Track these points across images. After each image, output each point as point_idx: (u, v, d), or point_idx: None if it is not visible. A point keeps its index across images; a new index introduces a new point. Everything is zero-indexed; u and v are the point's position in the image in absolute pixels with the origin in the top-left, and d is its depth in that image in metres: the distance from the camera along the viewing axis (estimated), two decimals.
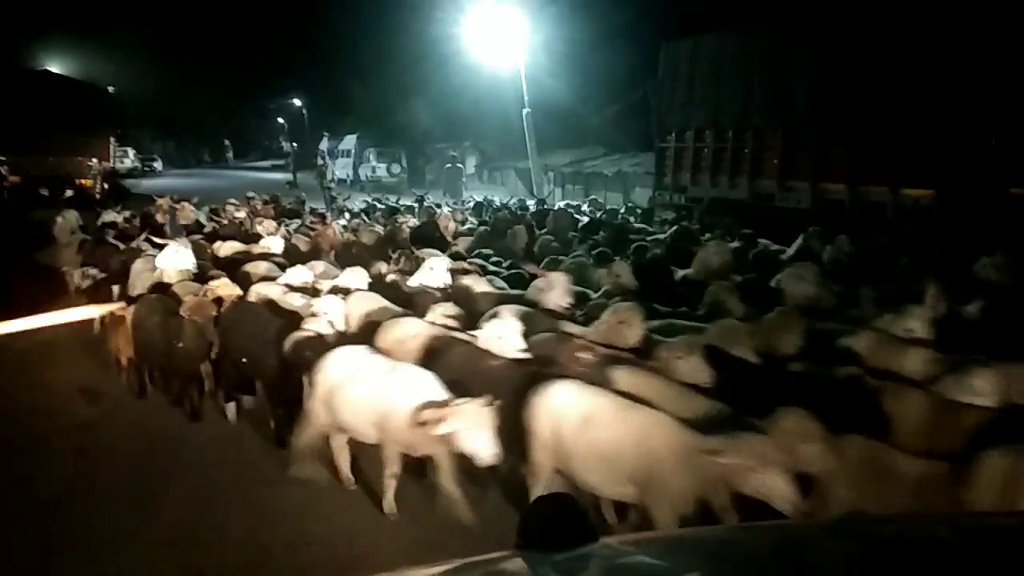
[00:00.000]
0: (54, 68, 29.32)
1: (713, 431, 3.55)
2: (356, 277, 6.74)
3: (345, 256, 8.78)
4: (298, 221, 12.63)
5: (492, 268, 8.47)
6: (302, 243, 9.68)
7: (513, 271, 8.28)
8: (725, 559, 1.61)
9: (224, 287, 6.18)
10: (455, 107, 33.86)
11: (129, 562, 4.11)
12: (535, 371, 4.46)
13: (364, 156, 34.36)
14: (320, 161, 32.24)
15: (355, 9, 40.21)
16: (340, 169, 35.29)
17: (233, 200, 14.21)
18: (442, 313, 5.75)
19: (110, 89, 29.22)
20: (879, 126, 11.37)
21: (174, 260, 7.18)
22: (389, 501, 4.51)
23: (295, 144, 45.28)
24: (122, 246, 8.67)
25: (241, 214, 12.80)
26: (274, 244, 9.11)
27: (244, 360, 5.64)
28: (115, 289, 7.86)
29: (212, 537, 4.33)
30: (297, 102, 59.01)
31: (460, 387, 4.23)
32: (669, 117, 16.14)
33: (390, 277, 7.33)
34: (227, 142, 70.43)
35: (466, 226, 12.60)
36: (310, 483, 4.91)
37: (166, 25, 52.12)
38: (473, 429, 3.81)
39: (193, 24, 54.80)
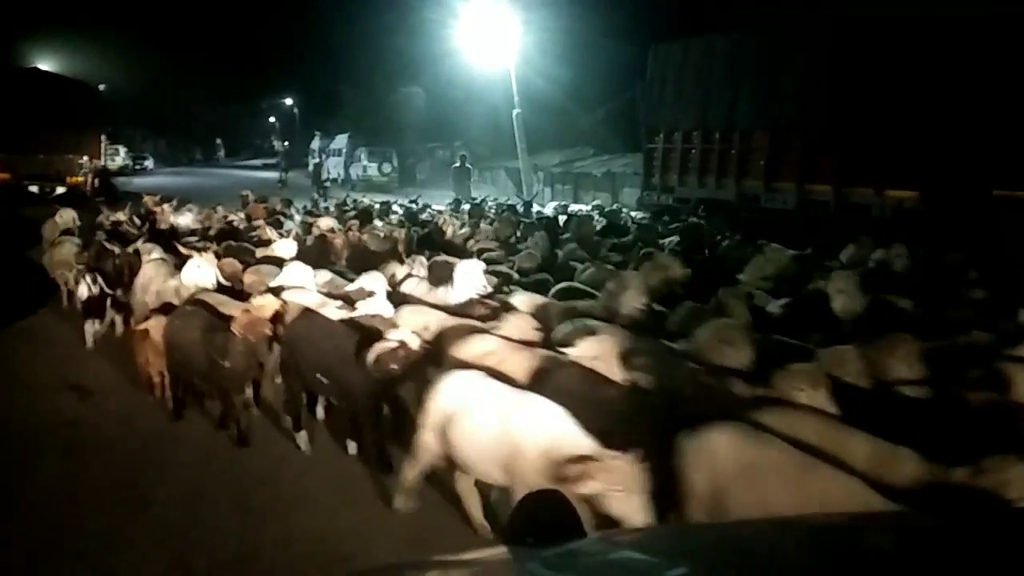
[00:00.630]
0: (44, 66, 29.17)
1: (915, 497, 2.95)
2: (375, 282, 6.25)
3: (355, 261, 8.48)
4: (290, 224, 12.21)
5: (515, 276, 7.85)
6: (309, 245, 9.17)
7: (536, 278, 7.76)
8: (713, 554, 1.61)
9: (268, 303, 5.51)
10: (446, 107, 33.91)
11: (117, 561, 4.07)
12: (680, 410, 3.80)
13: (355, 155, 34.36)
14: (316, 160, 32.28)
15: (346, 9, 40.22)
16: (332, 168, 35.37)
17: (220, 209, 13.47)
18: (520, 326, 5.20)
19: (101, 87, 29.14)
20: (864, 128, 11.51)
21: (196, 276, 6.62)
22: None
23: (287, 143, 45.22)
24: (118, 250, 8.02)
25: (241, 215, 12.50)
26: (286, 248, 8.43)
27: (321, 378, 5.13)
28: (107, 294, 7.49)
29: (201, 535, 4.29)
30: (289, 101, 59.07)
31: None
32: (657, 118, 16.26)
33: (412, 285, 6.82)
34: (219, 141, 70.34)
35: (464, 230, 12.01)
36: (301, 481, 4.92)
37: (158, 23, 52.06)
38: (624, 491, 3.26)
39: (185, 22, 54.81)
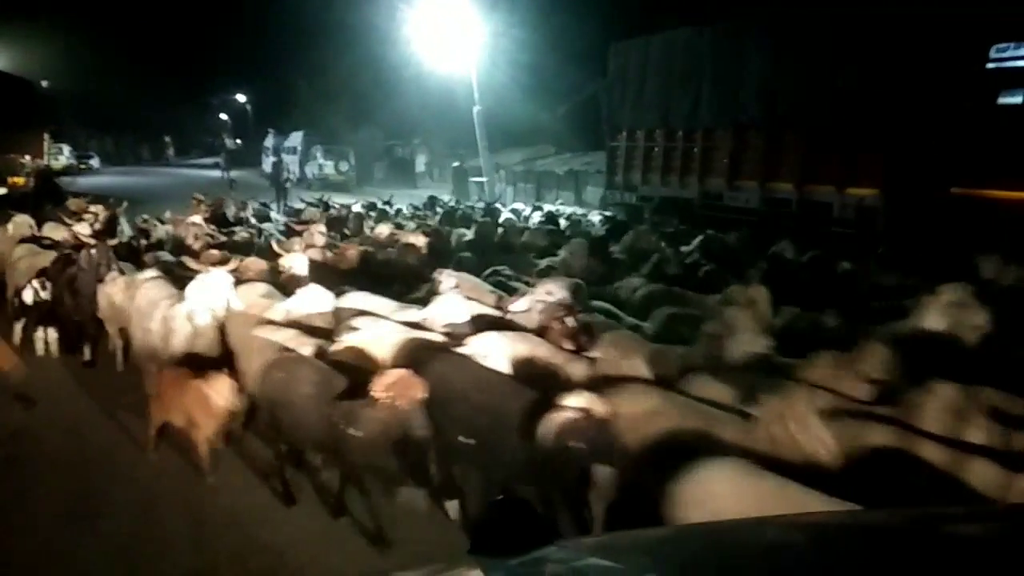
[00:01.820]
0: None
1: None
2: (459, 309, 5.22)
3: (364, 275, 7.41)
4: (270, 227, 11.12)
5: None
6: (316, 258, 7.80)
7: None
8: (680, 559, 1.59)
9: (366, 343, 4.53)
10: (405, 104, 33.52)
11: None
12: None
13: (311, 153, 33.72)
14: (274, 158, 31.58)
15: (300, 4, 39.55)
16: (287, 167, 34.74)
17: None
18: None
19: (44, 83, 28.18)
20: (825, 126, 11.62)
21: (202, 298, 5.43)
22: None
23: (239, 141, 44.27)
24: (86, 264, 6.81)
25: (197, 217, 11.41)
26: (296, 263, 7.10)
27: (465, 440, 4.01)
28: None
29: (154, 548, 4.16)
30: (241, 98, 57.94)
31: None
32: (619, 117, 16.30)
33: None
34: (168, 139, 68.59)
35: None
36: (257, 491, 4.78)
37: (103, 16, 50.67)
38: None
39: (133, 16, 53.44)
